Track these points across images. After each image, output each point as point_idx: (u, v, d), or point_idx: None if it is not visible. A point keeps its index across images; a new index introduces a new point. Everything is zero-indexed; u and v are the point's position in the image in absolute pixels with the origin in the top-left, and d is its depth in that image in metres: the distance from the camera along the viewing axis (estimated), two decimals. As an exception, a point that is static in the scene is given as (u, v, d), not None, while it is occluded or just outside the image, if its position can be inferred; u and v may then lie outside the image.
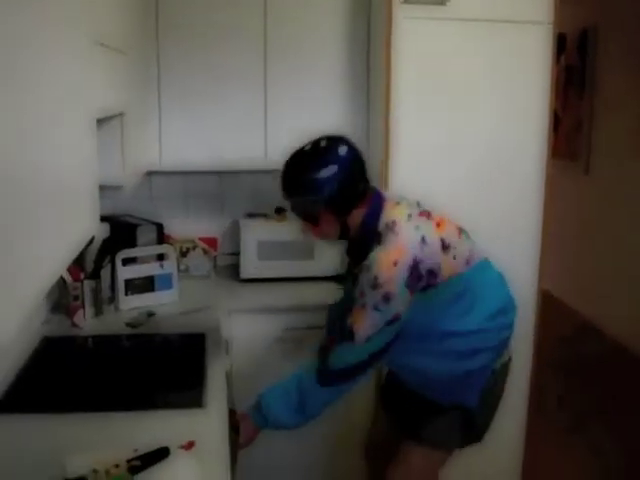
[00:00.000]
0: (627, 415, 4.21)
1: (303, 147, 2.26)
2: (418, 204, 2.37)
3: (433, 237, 2.22)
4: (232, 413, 2.29)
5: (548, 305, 3.52)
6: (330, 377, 2.26)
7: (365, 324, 2.17)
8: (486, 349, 2.37)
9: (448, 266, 2.24)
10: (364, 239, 2.25)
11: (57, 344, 2.73)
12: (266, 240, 3.36)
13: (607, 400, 4.41)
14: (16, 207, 1.14)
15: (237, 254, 3.47)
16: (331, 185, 2.16)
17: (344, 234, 2.31)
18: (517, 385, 3.01)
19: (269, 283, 3.33)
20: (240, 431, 2.35)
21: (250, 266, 3.37)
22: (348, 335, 2.20)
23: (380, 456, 2.72)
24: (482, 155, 3.06)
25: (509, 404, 2.68)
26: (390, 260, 2.13)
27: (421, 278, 2.17)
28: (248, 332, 3.09)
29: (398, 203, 2.31)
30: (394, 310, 2.16)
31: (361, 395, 2.95)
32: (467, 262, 2.30)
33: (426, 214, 2.30)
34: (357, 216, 2.25)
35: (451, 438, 2.48)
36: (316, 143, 2.24)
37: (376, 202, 2.28)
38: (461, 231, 2.36)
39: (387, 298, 2.13)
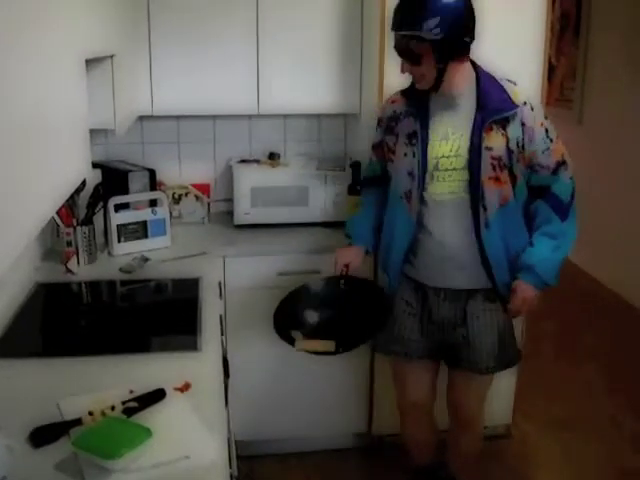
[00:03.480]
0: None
1: None
2: None
3: None
4: (224, 360, 2.31)
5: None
6: (569, 205, 2.50)
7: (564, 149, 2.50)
8: None
9: None
10: (489, 86, 2.40)
11: (51, 290, 2.73)
12: (259, 186, 3.33)
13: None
14: (5, 147, 1.12)
15: (230, 200, 3.45)
16: (442, 27, 2.21)
17: (437, 84, 2.35)
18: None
19: (263, 229, 3.32)
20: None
21: (243, 212, 3.34)
22: (562, 166, 2.48)
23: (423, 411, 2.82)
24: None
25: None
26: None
27: None
28: (242, 277, 3.09)
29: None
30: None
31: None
32: None
33: None
34: (458, 69, 2.34)
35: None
36: None
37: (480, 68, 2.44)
38: None
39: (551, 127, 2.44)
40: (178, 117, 3.52)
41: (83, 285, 2.84)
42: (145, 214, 3.13)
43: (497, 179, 2.38)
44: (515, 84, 2.44)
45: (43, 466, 1.59)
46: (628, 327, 4.79)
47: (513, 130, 2.36)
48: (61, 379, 1.99)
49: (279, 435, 3.31)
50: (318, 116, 3.61)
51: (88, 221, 2.96)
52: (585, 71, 5.75)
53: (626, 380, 4.10)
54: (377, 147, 2.68)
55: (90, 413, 1.75)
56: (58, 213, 2.86)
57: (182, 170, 3.60)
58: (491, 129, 2.36)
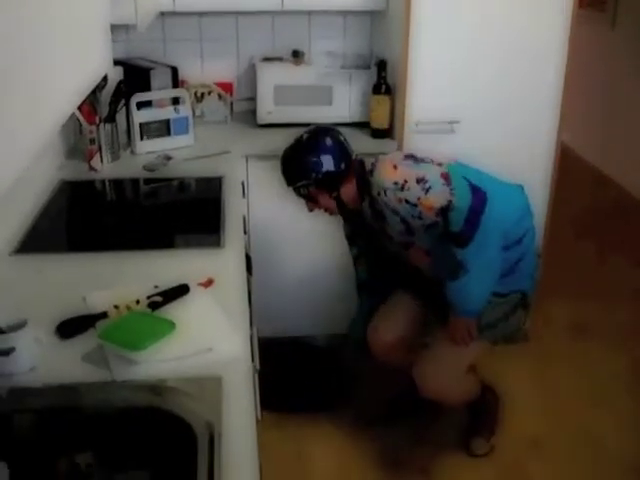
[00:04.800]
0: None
1: (293, 141, 2.54)
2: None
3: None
4: (248, 258, 2.33)
5: (565, 157, 3.48)
6: (467, 231, 2.36)
7: (437, 198, 2.33)
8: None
9: None
10: (361, 191, 2.51)
11: (75, 187, 2.75)
12: (282, 84, 3.28)
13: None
14: (25, 39, 1.10)
15: (253, 99, 3.41)
16: (316, 169, 2.46)
17: (342, 207, 2.57)
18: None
19: (286, 128, 3.28)
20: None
21: (266, 111, 3.31)
22: (445, 211, 2.35)
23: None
24: (509, 3, 2.97)
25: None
26: (389, 165, 2.40)
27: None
28: (264, 177, 3.08)
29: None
30: (435, 174, 2.36)
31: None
32: None
33: None
34: (348, 190, 2.52)
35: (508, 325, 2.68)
36: (300, 137, 2.53)
37: (357, 168, 2.53)
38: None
39: (421, 179, 2.34)
40: (200, 13, 3.44)
41: (107, 183, 2.86)
42: (167, 112, 3.11)
43: (418, 253, 2.57)
44: (372, 173, 2.45)
45: (70, 357, 1.64)
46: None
47: (390, 217, 2.44)
48: (87, 274, 2.02)
49: (303, 333, 3.37)
50: (344, 13, 3.52)
51: (111, 119, 2.94)
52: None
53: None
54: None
55: (115, 307, 1.79)
56: (81, 111, 2.85)
57: (204, 68, 3.55)
58: (382, 220, 2.49)
